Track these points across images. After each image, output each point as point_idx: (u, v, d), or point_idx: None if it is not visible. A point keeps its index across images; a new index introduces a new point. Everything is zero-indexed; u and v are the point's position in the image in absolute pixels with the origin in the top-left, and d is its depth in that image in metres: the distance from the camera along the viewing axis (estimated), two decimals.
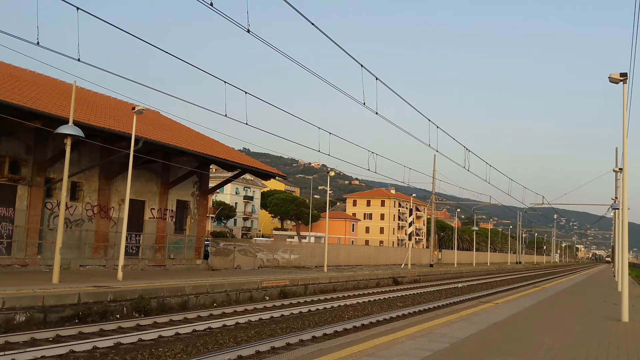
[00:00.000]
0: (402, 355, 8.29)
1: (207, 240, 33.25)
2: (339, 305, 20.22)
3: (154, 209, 28.86)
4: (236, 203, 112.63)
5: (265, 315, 16.37)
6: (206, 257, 31.46)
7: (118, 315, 15.10)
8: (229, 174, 34.96)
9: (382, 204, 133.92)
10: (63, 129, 17.69)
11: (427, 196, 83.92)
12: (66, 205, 22.44)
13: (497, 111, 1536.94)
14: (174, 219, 30.24)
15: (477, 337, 10.36)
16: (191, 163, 29.03)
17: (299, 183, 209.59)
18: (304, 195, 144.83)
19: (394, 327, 11.69)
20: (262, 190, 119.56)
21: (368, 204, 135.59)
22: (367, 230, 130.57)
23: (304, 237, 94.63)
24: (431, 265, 57.42)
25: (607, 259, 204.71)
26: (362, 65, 18.99)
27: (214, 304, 18.77)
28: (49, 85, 25.70)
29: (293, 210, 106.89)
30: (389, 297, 24.70)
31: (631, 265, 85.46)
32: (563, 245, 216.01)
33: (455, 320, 12.83)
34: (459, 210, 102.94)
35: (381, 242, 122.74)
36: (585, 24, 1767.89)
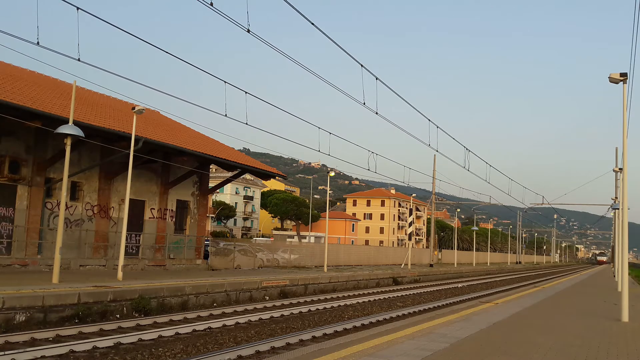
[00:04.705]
0: (402, 355, 8.29)
1: (207, 240, 33.25)
2: (339, 305, 20.22)
3: (154, 209, 28.86)
4: (236, 203, 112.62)
5: (265, 315, 16.38)
6: (206, 257, 31.46)
7: (118, 315, 15.10)
8: (229, 174, 34.97)
9: (382, 204, 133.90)
10: (63, 129, 17.69)
11: (427, 196, 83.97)
12: (66, 205, 22.44)
13: (497, 111, 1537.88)
14: (174, 219, 30.24)
15: (477, 337, 10.36)
16: (191, 163, 29.03)
17: (299, 183, 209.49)
18: (304, 195, 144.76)
19: (394, 327, 11.69)
20: (262, 190, 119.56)
21: (368, 204, 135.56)
22: (367, 230, 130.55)
23: (304, 237, 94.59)
24: (431, 265, 57.41)
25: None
26: (362, 65, 19.00)
27: (214, 304, 18.78)
28: (49, 85, 25.70)
29: (293, 210, 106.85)
30: (389, 297, 24.71)
31: (631, 265, 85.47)
32: (563, 245, 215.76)
33: (455, 320, 12.83)
34: (459, 210, 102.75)
35: (381, 242, 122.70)
36: (585, 24, 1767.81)
